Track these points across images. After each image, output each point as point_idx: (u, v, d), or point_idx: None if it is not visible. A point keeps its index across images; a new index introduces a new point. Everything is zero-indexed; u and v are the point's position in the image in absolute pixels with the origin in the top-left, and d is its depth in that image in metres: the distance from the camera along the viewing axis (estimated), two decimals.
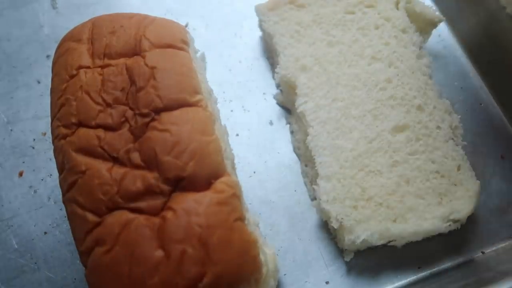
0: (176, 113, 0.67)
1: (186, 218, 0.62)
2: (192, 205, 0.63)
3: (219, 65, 0.99)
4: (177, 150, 0.65)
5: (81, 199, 0.66)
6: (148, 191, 0.64)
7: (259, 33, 1.00)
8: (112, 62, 0.72)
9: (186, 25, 1.02)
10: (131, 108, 0.68)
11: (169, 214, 0.63)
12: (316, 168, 0.81)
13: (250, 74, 0.98)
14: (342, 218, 0.76)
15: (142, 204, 0.64)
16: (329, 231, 0.84)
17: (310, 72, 0.88)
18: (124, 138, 0.67)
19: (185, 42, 0.77)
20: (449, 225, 0.78)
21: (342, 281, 0.80)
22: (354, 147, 0.82)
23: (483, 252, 0.83)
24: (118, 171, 0.66)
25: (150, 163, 0.65)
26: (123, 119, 0.68)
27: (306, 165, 0.88)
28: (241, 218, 0.65)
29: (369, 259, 0.81)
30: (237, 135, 0.92)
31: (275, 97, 0.96)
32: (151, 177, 0.64)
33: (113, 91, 0.70)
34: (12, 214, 0.85)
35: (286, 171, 0.89)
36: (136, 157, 0.66)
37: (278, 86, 0.96)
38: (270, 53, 0.99)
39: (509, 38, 0.93)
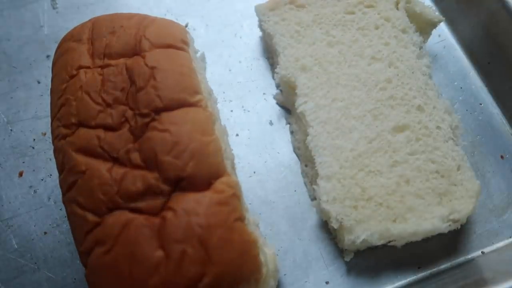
0: (176, 113, 0.67)
1: (186, 218, 0.62)
2: (192, 205, 0.63)
3: (219, 65, 0.99)
4: (177, 150, 0.65)
5: (81, 199, 0.66)
6: (148, 191, 0.64)
7: (259, 33, 1.00)
8: (112, 62, 0.72)
9: (186, 25, 1.02)
10: (131, 108, 0.68)
11: (169, 214, 0.63)
12: (316, 168, 0.81)
13: (250, 74, 0.98)
14: (342, 218, 0.76)
15: (142, 204, 0.64)
16: (329, 231, 0.84)
17: (310, 72, 0.88)
18: (124, 138, 0.67)
19: (185, 42, 0.77)
20: (449, 225, 0.78)
21: (342, 281, 0.80)
22: (354, 147, 0.82)
23: (483, 252, 0.83)
24: (118, 171, 0.66)
25: (150, 163, 0.65)
26: (123, 119, 0.68)
27: (306, 165, 0.88)
28: (241, 218, 0.65)
29: (369, 259, 0.81)
30: (237, 135, 0.92)
31: (275, 97, 0.96)
32: (151, 177, 0.64)
33: (113, 91, 0.70)
34: (12, 214, 0.85)
35: (286, 171, 0.89)
36: (136, 157, 0.66)
37: (278, 86, 0.96)
38: (270, 53, 0.99)
39: (509, 38, 0.92)
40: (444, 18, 0.94)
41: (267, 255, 0.71)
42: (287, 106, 0.94)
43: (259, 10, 0.95)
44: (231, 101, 0.95)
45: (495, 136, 0.93)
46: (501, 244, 0.84)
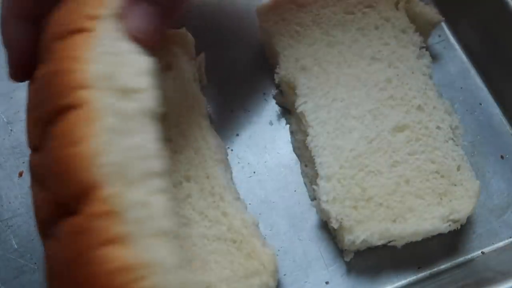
0: (56, 128, 0.54)
1: (54, 255, 0.54)
2: (58, 238, 0.53)
3: (219, 65, 0.99)
4: (49, 175, 0.55)
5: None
6: (52, 217, 0.56)
7: (259, 33, 1.00)
8: None
9: (186, 26, 1.02)
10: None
11: (53, 246, 0.55)
12: (316, 168, 0.81)
13: (250, 74, 0.98)
14: (342, 218, 0.76)
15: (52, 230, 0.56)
16: (329, 231, 0.84)
17: (310, 73, 0.88)
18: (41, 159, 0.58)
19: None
20: (449, 225, 0.78)
21: (342, 281, 0.80)
22: (354, 147, 0.81)
23: (483, 252, 0.83)
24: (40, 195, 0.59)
25: (46, 187, 0.57)
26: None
27: (306, 165, 0.88)
28: (112, 239, 0.49)
29: (369, 259, 0.81)
30: (237, 135, 0.92)
31: (275, 97, 0.95)
32: (50, 200, 0.56)
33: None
34: (12, 214, 0.85)
35: (286, 171, 0.89)
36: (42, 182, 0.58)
37: (278, 86, 0.95)
38: (270, 53, 0.99)
39: (509, 38, 0.92)
40: (444, 18, 0.94)
41: (266, 255, 0.70)
42: (287, 106, 0.94)
43: (259, 10, 0.95)
44: (231, 101, 0.95)
45: (495, 136, 0.93)
46: (501, 244, 0.84)
